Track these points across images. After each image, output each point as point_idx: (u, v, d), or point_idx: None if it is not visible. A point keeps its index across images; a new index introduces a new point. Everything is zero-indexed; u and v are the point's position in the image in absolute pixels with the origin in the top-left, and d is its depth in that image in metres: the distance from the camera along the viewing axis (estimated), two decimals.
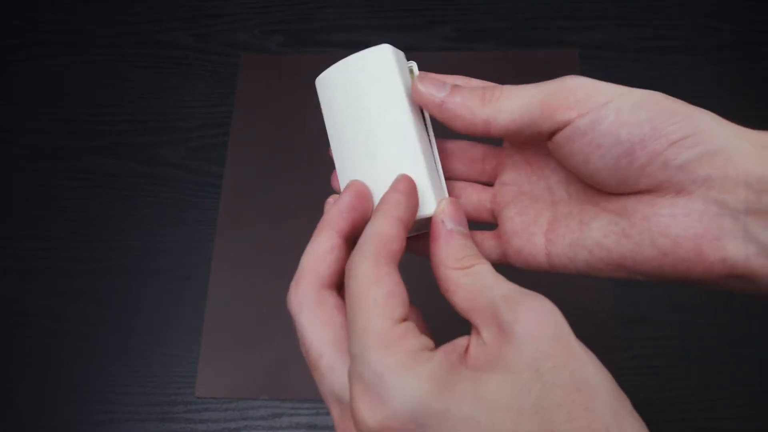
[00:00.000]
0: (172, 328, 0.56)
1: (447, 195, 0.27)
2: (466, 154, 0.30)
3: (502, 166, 0.29)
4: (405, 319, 0.22)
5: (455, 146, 0.30)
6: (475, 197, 0.30)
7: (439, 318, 0.29)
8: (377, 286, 0.22)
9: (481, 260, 0.24)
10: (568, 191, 0.27)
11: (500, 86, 0.25)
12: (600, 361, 0.21)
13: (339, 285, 0.26)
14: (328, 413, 0.52)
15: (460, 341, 0.22)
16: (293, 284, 0.25)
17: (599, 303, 0.54)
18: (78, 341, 0.55)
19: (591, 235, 0.25)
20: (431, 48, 0.66)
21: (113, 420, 0.53)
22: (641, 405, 0.55)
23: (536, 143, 0.27)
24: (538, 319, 0.21)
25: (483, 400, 0.19)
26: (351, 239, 0.26)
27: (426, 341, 0.21)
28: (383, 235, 0.23)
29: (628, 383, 0.52)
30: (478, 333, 0.22)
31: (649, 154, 0.23)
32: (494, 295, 0.22)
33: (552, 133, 0.24)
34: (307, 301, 0.24)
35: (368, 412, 0.20)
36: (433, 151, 0.28)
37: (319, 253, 0.25)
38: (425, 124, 0.28)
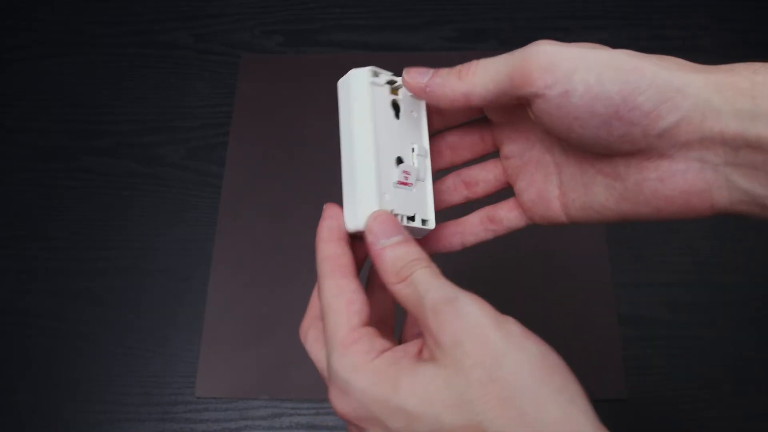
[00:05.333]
0: (172, 328, 0.56)
1: (378, 208, 0.28)
2: (465, 141, 0.32)
3: (499, 140, 0.31)
4: (365, 324, 0.25)
5: (454, 138, 0.32)
6: (492, 176, 0.32)
7: None
8: (338, 297, 0.25)
9: (419, 264, 0.25)
10: (564, 150, 0.29)
11: (475, 61, 0.27)
12: (551, 347, 0.23)
13: None
14: (328, 413, 0.52)
15: (413, 343, 0.25)
16: (303, 318, 0.30)
17: (599, 303, 0.54)
18: (78, 341, 0.55)
19: (595, 200, 0.28)
20: (431, 48, 0.66)
21: (113, 420, 0.53)
22: (641, 405, 0.55)
23: (520, 110, 0.28)
24: (458, 325, 0.22)
25: (414, 391, 0.22)
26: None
27: (381, 343, 0.24)
28: (330, 255, 0.27)
29: (629, 383, 0.52)
30: (424, 335, 0.24)
31: (626, 125, 0.24)
32: (426, 303, 0.24)
33: (528, 103, 0.26)
34: (309, 331, 0.29)
35: (341, 403, 0.24)
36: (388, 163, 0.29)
37: (315, 294, 0.30)
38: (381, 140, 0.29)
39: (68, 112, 0.66)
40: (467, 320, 0.22)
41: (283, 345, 0.54)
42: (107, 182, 0.62)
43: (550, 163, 0.30)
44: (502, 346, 0.22)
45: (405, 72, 0.28)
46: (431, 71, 0.28)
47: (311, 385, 0.53)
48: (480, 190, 0.32)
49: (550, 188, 0.29)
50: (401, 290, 0.25)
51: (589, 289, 0.55)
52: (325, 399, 0.52)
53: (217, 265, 0.57)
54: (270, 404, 0.52)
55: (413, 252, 0.25)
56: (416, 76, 0.28)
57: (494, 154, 0.33)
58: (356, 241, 0.29)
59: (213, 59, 0.67)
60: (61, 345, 0.55)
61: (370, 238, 0.26)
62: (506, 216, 0.31)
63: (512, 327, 0.23)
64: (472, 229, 0.32)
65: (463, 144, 0.32)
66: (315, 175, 0.60)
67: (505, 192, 0.32)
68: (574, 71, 0.24)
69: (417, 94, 0.28)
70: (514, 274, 0.56)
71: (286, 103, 0.64)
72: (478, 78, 0.26)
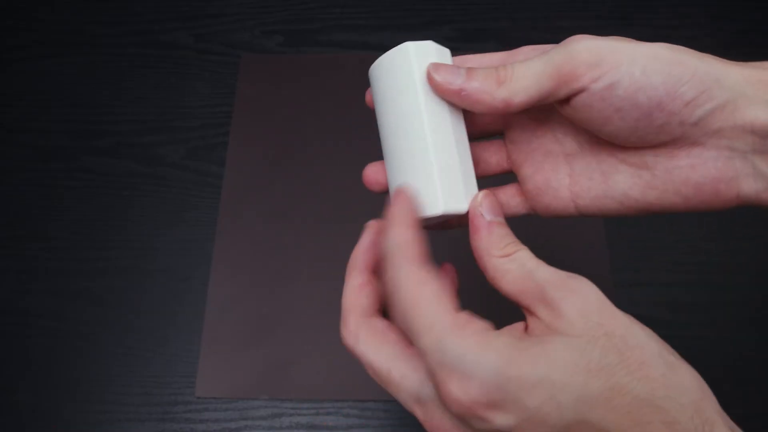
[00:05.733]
0: (172, 328, 0.56)
1: (476, 188, 0.28)
2: (468, 114, 0.30)
3: (507, 123, 0.30)
4: (459, 309, 0.24)
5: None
6: (493, 159, 0.31)
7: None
8: (424, 286, 0.24)
9: (521, 246, 0.25)
10: (577, 141, 0.29)
11: (512, 65, 0.26)
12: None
13: (380, 311, 0.28)
14: (327, 413, 0.52)
15: (516, 324, 0.25)
16: (342, 324, 0.28)
17: None
18: (78, 341, 0.55)
19: (617, 188, 0.27)
20: None
21: (113, 420, 0.53)
22: None
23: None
24: (582, 298, 0.23)
25: (554, 361, 0.22)
26: (377, 272, 0.28)
27: (488, 323, 0.24)
28: (405, 242, 0.25)
29: None
30: (531, 312, 0.24)
31: (667, 115, 0.24)
32: (538, 278, 0.24)
33: (568, 98, 0.26)
34: (359, 332, 0.27)
35: (459, 389, 0.22)
36: (464, 145, 0.28)
37: (354, 290, 0.28)
38: (452, 118, 0.28)
39: (68, 112, 0.66)
40: (592, 295, 0.23)
41: (283, 345, 0.54)
42: (107, 182, 0.62)
43: (560, 153, 0.29)
44: (629, 320, 0.23)
45: (433, 70, 0.27)
46: (463, 71, 0.26)
47: (311, 385, 0.53)
48: (478, 171, 0.31)
49: (560, 177, 0.29)
50: (503, 264, 0.25)
51: None
52: (326, 399, 0.52)
53: (217, 265, 0.57)
54: (270, 404, 0.52)
55: (513, 235, 0.26)
56: (448, 76, 0.26)
57: (498, 135, 0.31)
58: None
59: (213, 59, 0.67)
60: (61, 345, 0.55)
61: (479, 210, 0.26)
62: (507, 201, 0.31)
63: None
64: None
65: (465, 119, 0.30)
66: (315, 175, 0.60)
67: (505, 177, 0.31)
68: (619, 64, 0.24)
69: (448, 96, 0.27)
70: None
71: (286, 103, 0.64)
72: (519, 83, 0.26)
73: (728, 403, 0.51)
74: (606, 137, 0.26)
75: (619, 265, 0.56)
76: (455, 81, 0.26)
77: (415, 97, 0.27)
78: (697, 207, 0.26)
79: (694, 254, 0.56)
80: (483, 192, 0.27)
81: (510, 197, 0.31)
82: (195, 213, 0.60)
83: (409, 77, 0.27)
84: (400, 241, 0.25)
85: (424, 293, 0.24)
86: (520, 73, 0.26)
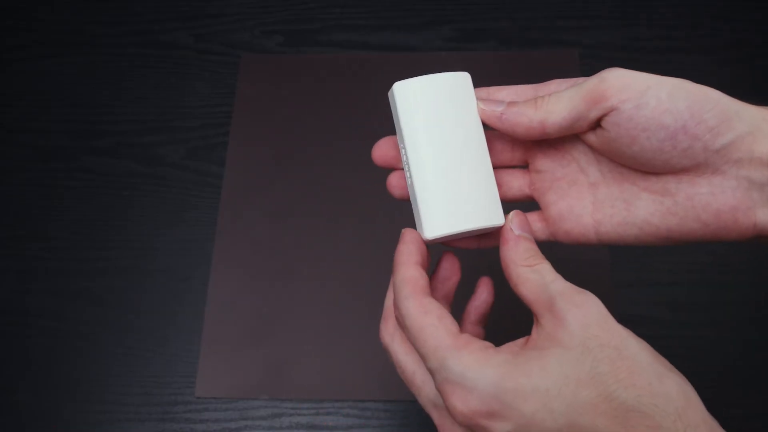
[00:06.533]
0: (172, 328, 0.56)
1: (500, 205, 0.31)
2: (494, 144, 0.33)
3: (531, 154, 0.33)
4: (460, 331, 0.27)
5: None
6: (516, 184, 0.33)
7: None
8: (427, 314, 0.27)
9: (544, 260, 0.28)
10: (600, 171, 0.30)
11: (548, 95, 0.29)
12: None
13: None
14: (328, 413, 0.52)
15: (519, 340, 0.27)
16: (382, 322, 0.31)
17: None
18: (78, 341, 0.55)
19: (639, 214, 0.29)
20: (431, 48, 0.66)
21: (113, 420, 0.53)
22: None
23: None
24: (586, 310, 0.26)
25: (548, 372, 0.24)
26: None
27: (487, 343, 0.27)
28: (409, 278, 0.28)
29: None
30: (538, 321, 0.27)
31: (691, 139, 0.26)
32: (552, 289, 0.27)
33: (598, 121, 0.28)
34: (396, 333, 0.30)
35: (461, 403, 0.25)
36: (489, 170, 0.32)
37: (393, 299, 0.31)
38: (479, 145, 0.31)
39: (68, 112, 0.66)
40: (594, 308, 0.26)
41: (283, 345, 0.54)
42: (107, 182, 0.62)
43: (584, 183, 0.31)
44: (625, 333, 0.25)
45: (480, 99, 0.31)
46: (504, 102, 0.30)
47: (311, 385, 0.53)
48: (500, 194, 0.33)
49: (584, 204, 0.31)
50: (526, 273, 0.28)
51: (589, 289, 0.55)
52: (325, 399, 0.52)
53: (217, 265, 0.57)
54: (270, 404, 0.52)
55: (538, 250, 0.29)
56: (492, 105, 0.30)
57: (518, 167, 0.34)
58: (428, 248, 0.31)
59: (213, 59, 0.67)
60: (61, 345, 0.55)
61: (510, 225, 0.29)
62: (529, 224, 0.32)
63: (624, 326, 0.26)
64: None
65: (491, 148, 0.33)
66: (315, 175, 0.60)
67: (527, 205, 0.33)
68: (647, 88, 0.26)
69: (492, 121, 0.30)
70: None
71: (286, 103, 0.64)
72: (553, 105, 0.28)
73: (728, 403, 0.51)
74: (632, 161, 0.28)
75: (619, 265, 0.56)
76: (498, 108, 0.30)
77: (477, 123, 0.31)
78: (716, 234, 0.28)
79: (694, 254, 0.56)
80: (515, 210, 0.30)
81: (532, 222, 0.32)
82: (195, 213, 0.60)
83: (472, 106, 0.31)
84: (407, 277, 0.28)
85: (428, 320, 0.27)
86: (554, 98, 0.29)
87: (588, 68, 0.64)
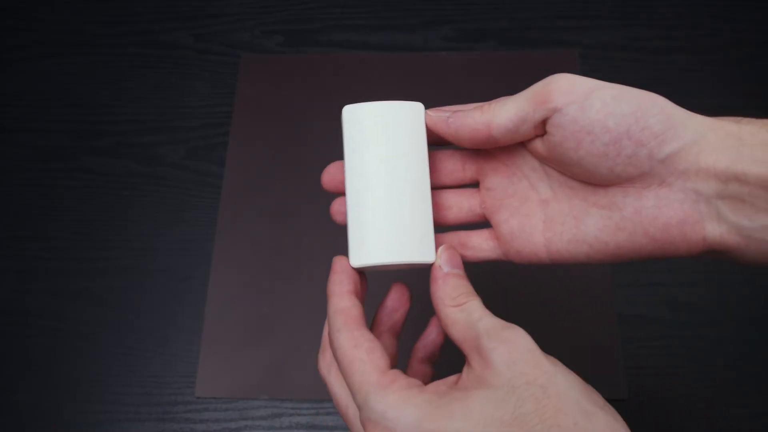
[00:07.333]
0: (172, 328, 0.56)
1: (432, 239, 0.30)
2: (445, 164, 0.33)
3: (482, 172, 0.32)
4: (391, 367, 0.26)
5: (435, 159, 0.33)
6: (466, 204, 0.33)
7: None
8: (357, 348, 0.27)
9: (473, 297, 0.28)
10: (551, 187, 0.30)
11: (493, 100, 0.29)
12: (573, 370, 0.25)
13: None
14: (328, 413, 0.52)
15: (450, 377, 0.27)
16: (320, 354, 0.31)
17: (599, 303, 0.54)
18: (78, 341, 0.55)
19: (588, 231, 0.28)
20: (431, 48, 0.66)
21: (113, 420, 0.53)
22: (641, 405, 0.55)
23: (516, 148, 0.30)
24: (512, 348, 0.25)
25: (470, 414, 0.23)
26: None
27: (414, 381, 0.26)
28: (342, 309, 0.28)
29: (629, 383, 0.52)
30: (468, 361, 0.26)
31: (635, 145, 0.26)
32: (479, 328, 0.26)
33: (543, 125, 0.27)
34: (333, 364, 0.30)
35: None
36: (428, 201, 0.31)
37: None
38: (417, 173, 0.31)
39: (68, 112, 0.66)
40: (521, 344, 0.25)
41: (283, 345, 0.54)
42: (107, 182, 0.62)
43: (535, 199, 0.30)
44: (553, 369, 0.24)
45: (430, 110, 0.30)
46: (453, 109, 0.30)
47: (311, 385, 0.53)
48: (451, 215, 0.32)
49: (534, 222, 0.30)
50: (454, 313, 0.27)
51: (589, 289, 0.55)
52: (325, 399, 0.52)
53: (217, 265, 0.57)
54: (270, 404, 0.53)
55: (468, 286, 0.28)
56: (439, 111, 0.30)
57: (470, 185, 0.33)
58: (361, 275, 0.31)
59: (213, 59, 0.67)
60: (61, 345, 0.55)
61: (439, 262, 0.29)
62: (480, 245, 0.32)
63: (553, 358, 0.25)
64: None
65: (442, 168, 0.33)
66: (315, 175, 0.60)
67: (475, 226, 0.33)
68: (592, 90, 0.26)
69: (439, 126, 0.30)
70: (513, 274, 0.56)
71: (286, 103, 0.64)
72: (499, 108, 0.28)
73: (728, 403, 0.51)
74: (579, 170, 0.28)
75: (619, 265, 0.56)
76: (444, 114, 0.30)
77: (423, 155, 0.30)
78: (665, 249, 0.27)
79: None
80: (443, 246, 0.30)
81: (483, 240, 0.32)
82: (195, 213, 0.60)
83: (420, 136, 0.30)
84: (340, 307, 0.28)
85: (357, 354, 0.26)
86: (501, 102, 0.28)
87: (588, 68, 0.64)
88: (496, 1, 0.69)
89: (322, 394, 0.52)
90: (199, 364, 0.54)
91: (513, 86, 0.65)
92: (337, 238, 0.57)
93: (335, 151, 0.62)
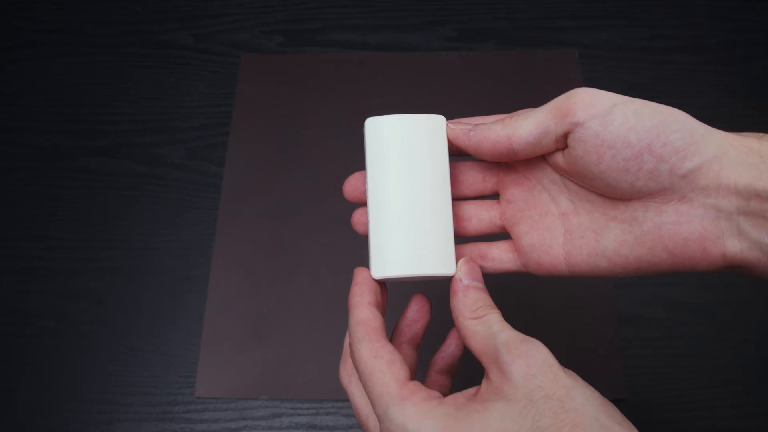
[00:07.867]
0: (172, 328, 0.56)
1: (453, 253, 0.30)
2: (466, 176, 0.33)
3: (502, 184, 0.32)
4: (411, 379, 0.27)
5: (456, 171, 0.33)
6: (486, 216, 0.33)
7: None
8: (378, 359, 0.27)
9: (493, 310, 0.28)
10: (571, 200, 0.30)
11: (516, 113, 0.29)
12: (587, 380, 0.25)
13: None
14: (327, 413, 0.52)
15: (469, 389, 0.27)
16: (342, 363, 0.31)
17: (599, 303, 0.54)
18: (78, 341, 0.55)
19: (608, 245, 0.28)
20: (431, 48, 0.66)
21: (113, 420, 0.53)
22: (641, 405, 0.55)
23: (536, 161, 0.30)
24: (530, 361, 0.25)
25: (489, 428, 0.23)
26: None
27: (434, 393, 0.26)
28: (363, 320, 0.28)
29: (629, 383, 0.52)
30: (487, 374, 0.26)
31: (656, 160, 0.26)
32: (498, 341, 0.26)
33: (565, 138, 0.27)
34: (354, 374, 0.30)
35: None
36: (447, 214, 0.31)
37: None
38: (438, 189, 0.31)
39: (68, 112, 0.66)
40: (540, 358, 0.25)
41: (283, 345, 0.54)
42: (107, 182, 0.62)
43: (555, 213, 0.30)
44: (571, 383, 0.24)
45: (450, 122, 0.30)
46: (475, 122, 0.30)
47: (311, 385, 0.53)
48: (471, 227, 0.33)
49: (554, 234, 0.30)
50: (474, 325, 0.27)
51: (589, 289, 0.55)
52: (325, 399, 0.52)
53: (217, 265, 0.57)
54: (270, 404, 0.53)
55: (488, 299, 0.29)
56: (461, 124, 0.30)
57: (490, 197, 0.33)
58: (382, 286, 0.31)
59: (213, 59, 0.67)
60: (61, 345, 0.55)
61: (459, 275, 0.29)
62: (499, 256, 0.32)
63: (572, 372, 0.25)
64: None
65: (462, 180, 0.33)
66: (315, 175, 0.60)
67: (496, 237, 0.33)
68: (613, 105, 0.26)
69: (460, 138, 0.30)
70: (512, 274, 0.56)
71: (286, 103, 0.64)
72: (521, 122, 0.28)
73: (728, 403, 0.51)
74: (600, 184, 0.27)
75: None
76: (466, 127, 0.30)
77: (445, 168, 0.30)
78: (685, 264, 0.27)
79: None
80: (463, 258, 0.30)
81: (503, 252, 0.32)
82: (195, 213, 0.60)
83: (442, 150, 0.30)
84: (361, 318, 0.28)
85: (377, 365, 0.27)
86: (522, 115, 0.28)
87: (588, 68, 0.64)
88: (496, 1, 0.69)
89: (321, 394, 0.52)
90: (199, 364, 0.54)
91: (513, 86, 0.65)
92: (337, 238, 0.57)
93: (335, 151, 0.62)
